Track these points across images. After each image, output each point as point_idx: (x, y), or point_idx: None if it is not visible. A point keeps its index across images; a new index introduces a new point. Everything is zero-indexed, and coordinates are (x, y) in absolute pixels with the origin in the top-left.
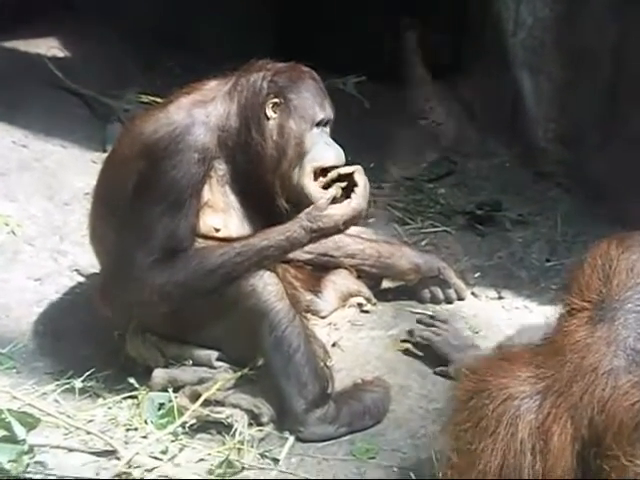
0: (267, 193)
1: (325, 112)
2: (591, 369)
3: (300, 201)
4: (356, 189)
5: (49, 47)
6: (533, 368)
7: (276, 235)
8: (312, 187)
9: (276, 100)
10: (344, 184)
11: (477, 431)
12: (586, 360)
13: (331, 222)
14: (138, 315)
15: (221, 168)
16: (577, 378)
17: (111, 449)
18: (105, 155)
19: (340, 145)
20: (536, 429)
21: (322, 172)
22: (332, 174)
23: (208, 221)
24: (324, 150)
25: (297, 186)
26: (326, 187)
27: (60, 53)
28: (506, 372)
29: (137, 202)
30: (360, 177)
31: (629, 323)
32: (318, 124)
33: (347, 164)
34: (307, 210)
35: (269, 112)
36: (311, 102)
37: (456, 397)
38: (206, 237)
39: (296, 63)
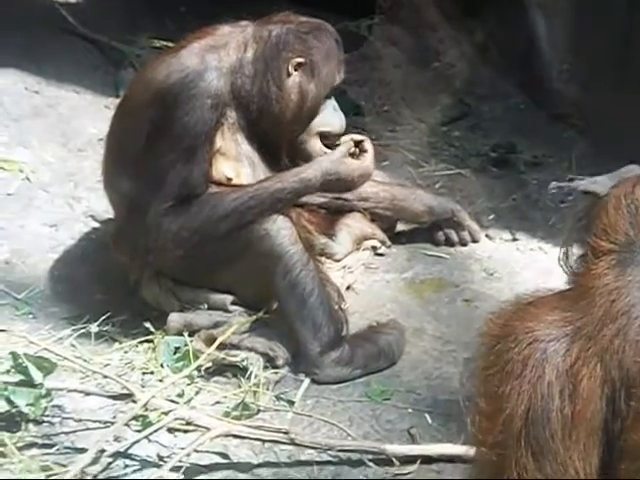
0: (276, 145)
1: (341, 77)
2: (622, 313)
3: (305, 160)
4: (365, 154)
5: None
6: (560, 312)
7: (290, 178)
8: (319, 148)
9: (300, 60)
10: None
11: (503, 375)
12: (616, 304)
13: (348, 170)
14: (153, 261)
15: (233, 115)
16: (607, 321)
17: (127, 392)
18: (118, 101)
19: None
20: (564, 372)
21: (325, 137)
22: (345, 138)
23: (220, 168)
24: (332, 116)
25: (304, 146)
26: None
27: None
28: (532, 316)
29: (150, 149)
30: (369, 145)
31: None
32: (333, 89)
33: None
34: (325, 155)
35: (291, 69)
36: (333, 68)
37: (482, 342)
38: (219, 184)
39: (320, 21)
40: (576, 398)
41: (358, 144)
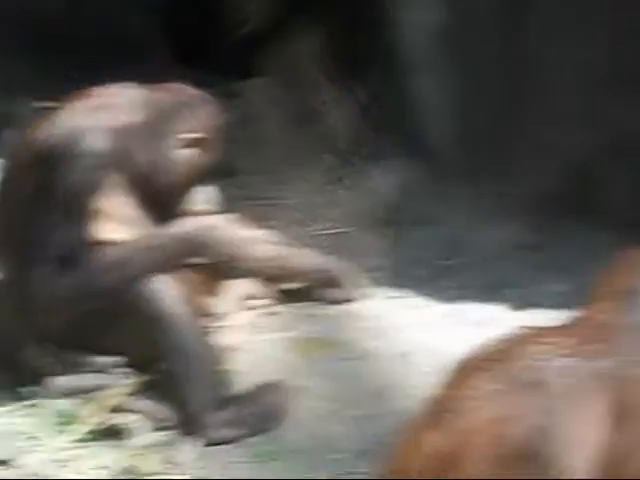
0: (162, 208)
1: (224, 148)
2: (627, 346)
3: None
4: None
5: None
6: (561, 338)
7: (172, 239)
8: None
9: (189, 134)
10: None
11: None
12: (622, 338)
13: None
14: (37, 323)
15: (117, 177)
16: (612, 352)
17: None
18: (1, 162)
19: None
20: (566, 393)
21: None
22: None
23: (104, 229)
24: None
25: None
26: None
27: None
28: (530, 342)
29: (33, 209)
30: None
31: None
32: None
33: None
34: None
35: (180, 142)
36: (219, 142)
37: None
38: (102, 245)
39: (205, 92)
40: (580, 420)
41: None
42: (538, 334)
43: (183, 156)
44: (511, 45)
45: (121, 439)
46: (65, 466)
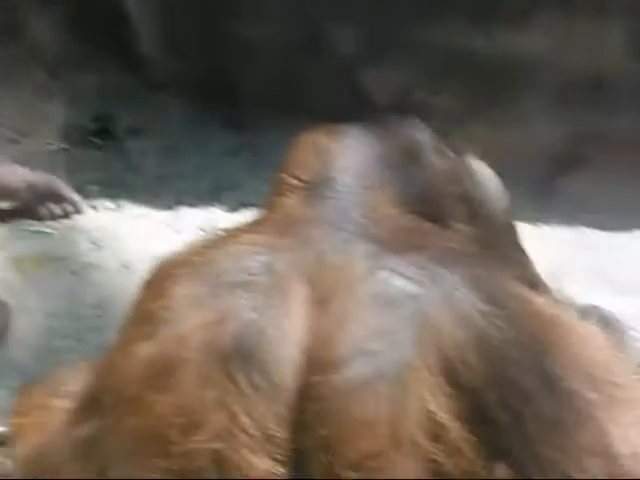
0: None
1: None
2: (321, 238)
3: None
4: None
5: None
6: (260, 237)
7: None
8: None
9: None
10: None
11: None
12: (315, 230)
13: None
14: None
15: None
16: (308, 245)
17: None
18: None
19: None
20: (270, 288)
21: None
22: None
23: None
24: None
25: None
26: None
27: None
28: (227, 244)
29: None
30: None
31: (350, 203)
32: None
33: None
34: None
35: None
36: None
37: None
38: None
39: None
40: (286, 312)
41: None
42: (233, 234)
43: None
44: None
45: None
46: None
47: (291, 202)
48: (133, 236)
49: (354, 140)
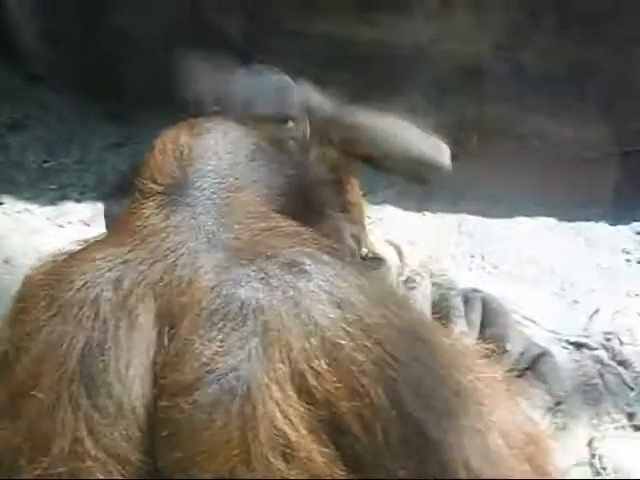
0: None
1: None
2: (171, 250)
3: None
4: None
5: None
6: (109, 249)
7: None
8: None
9: None
10: None
11: (56, 320)
12: (166, 241)
13: None
14: None
15: None
16: (158, 257)
17: None
18: None
19: None
20: (117, 306)
21: None
22: None
23: None
24: None
25: None
26: None
27: None
28: (80, 260)
29: None
30: None
31: (206, 209)
32: None
33: None
34: None
35: None
36: None
37: (24, 296)
38: None
39: None
40: (132, 330)
41: None
42: (90, 248)
43: None
44: None
45: None
46: None
47: (147, 210)
48: (16, 232)
49: (218, 137)
